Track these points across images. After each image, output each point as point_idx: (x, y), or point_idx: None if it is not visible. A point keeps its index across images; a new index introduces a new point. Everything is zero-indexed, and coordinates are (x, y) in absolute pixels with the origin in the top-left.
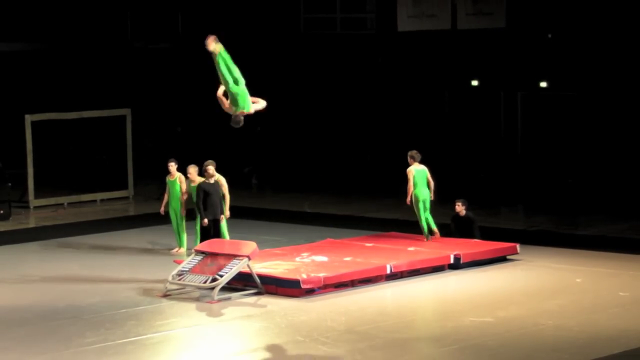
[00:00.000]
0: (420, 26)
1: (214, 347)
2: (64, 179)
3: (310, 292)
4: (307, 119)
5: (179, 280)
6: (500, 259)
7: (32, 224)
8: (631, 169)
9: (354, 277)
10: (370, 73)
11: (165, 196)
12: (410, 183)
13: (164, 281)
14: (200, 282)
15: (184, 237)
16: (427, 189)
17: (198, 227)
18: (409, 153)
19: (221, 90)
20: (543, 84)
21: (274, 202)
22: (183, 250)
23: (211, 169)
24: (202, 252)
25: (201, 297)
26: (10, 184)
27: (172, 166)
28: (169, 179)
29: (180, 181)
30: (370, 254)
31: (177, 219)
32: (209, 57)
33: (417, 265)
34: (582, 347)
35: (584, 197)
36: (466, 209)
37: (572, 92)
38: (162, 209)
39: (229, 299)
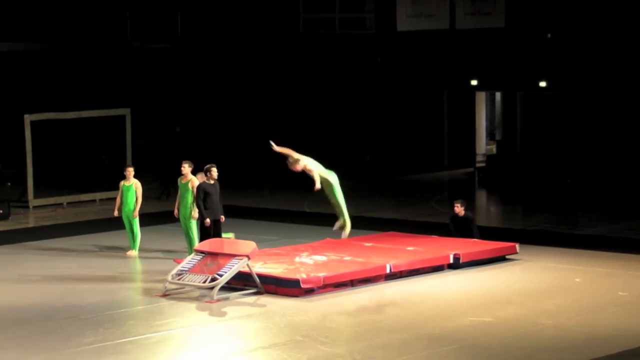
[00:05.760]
0: (419, 26)
1: (213, 347)
2: (63, 178)
3: (310, 291)
4: (306, 118)
5: (178, 279)
6: (500, 259)
7: (31, 223)
8: (630, 168)
9: (354, 277)
10: (369, 73)
11: (118, 200)
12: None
13: (163, 281)
14: (199, 282)
15: (137, 239)
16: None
17: (193, 228)
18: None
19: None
20: (542, 84)
21: (274, 202)
22: (135, 252)
23: (214, 170)
24: (202, 252)
25: (200, 296)
26: (9, 184)
27: (130, 171)
28: (124, 183)
29: (136, 187)
30: (370, 253)
31: (129, 221)
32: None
33: (417, 265)
34: (581, 346)
35: (583, 197)
36: (465, 209)
37: (571, 91)
38: (115, 212)
39: (228, 298)
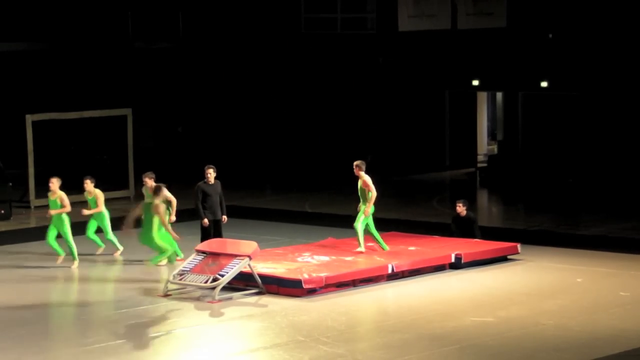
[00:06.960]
0: (420, 26)
1: (215, 347)
2: (65, 178)
3: (312, 291)
4: (307, 118)
5: (180, 280)
6: (501, 259)
7: (33, 223)
8: (632, 168)
9: (356, 277)
10: (370, 73)
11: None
12: (374, 192)
13: (165, 281)
14: (201, 282)
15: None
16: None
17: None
18: (358, 163)
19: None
20: (544, 84)
21: (274, 202)
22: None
23: (208, 172)
24: (203, 252)
25: (202, 296)
26: (11, 184)
27: (89, 184)
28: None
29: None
30: (371, 253)
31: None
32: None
33: (419, 264)
34: (582, 347)
35: (585, 197)
36: (467, 209)
37: (572, 91)
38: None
39: (230, 298)
